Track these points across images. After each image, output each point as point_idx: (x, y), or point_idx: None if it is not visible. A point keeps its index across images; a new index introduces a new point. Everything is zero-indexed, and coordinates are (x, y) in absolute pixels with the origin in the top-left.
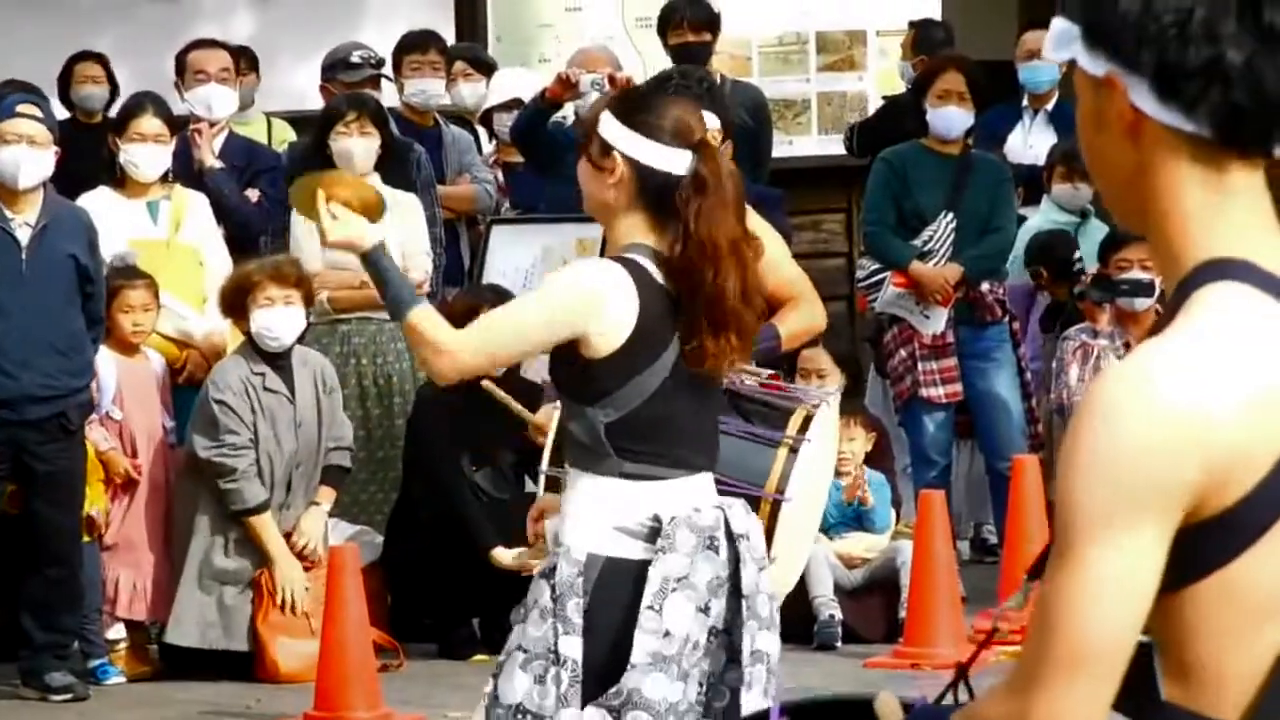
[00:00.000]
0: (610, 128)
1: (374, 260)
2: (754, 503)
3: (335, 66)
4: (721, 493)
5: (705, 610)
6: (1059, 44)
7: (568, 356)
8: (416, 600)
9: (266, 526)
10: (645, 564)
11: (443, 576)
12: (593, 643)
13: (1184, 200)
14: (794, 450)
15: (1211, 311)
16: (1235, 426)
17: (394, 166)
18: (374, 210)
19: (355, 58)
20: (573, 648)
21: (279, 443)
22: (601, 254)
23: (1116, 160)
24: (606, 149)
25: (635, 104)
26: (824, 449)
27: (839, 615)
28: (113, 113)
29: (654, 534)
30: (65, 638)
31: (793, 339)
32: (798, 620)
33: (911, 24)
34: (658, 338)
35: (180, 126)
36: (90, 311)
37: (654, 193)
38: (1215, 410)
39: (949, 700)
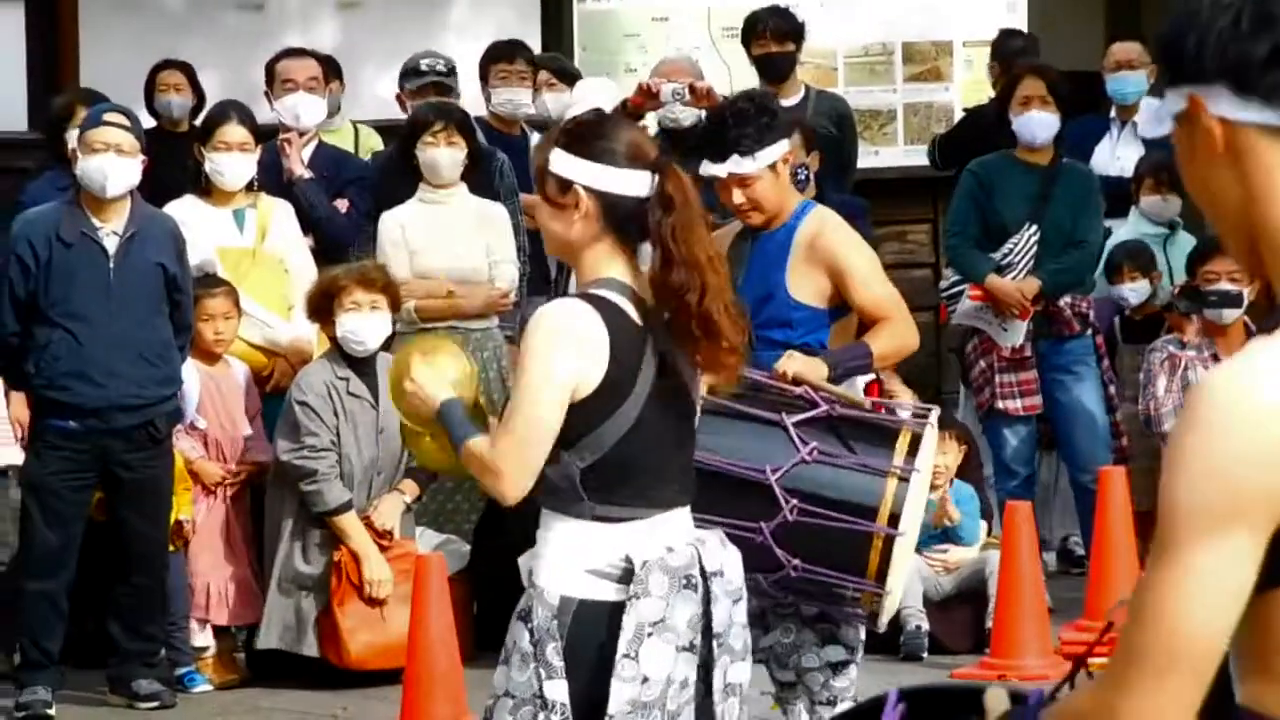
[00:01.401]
0: (565, 162)
1: (445, 411)
2: (866, 539)
3: (406, 75)
4: (833, 530)
5: (690, 649)
6: (1158, 119)
7: None
8: (502, 609)
9: (352, 524)
10: (619, 605)
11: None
12: (576, 683)
13: None
14: (904, 479)
15: None
16: None
17: (478, 174)
18: (465, 384)
19: (423, 65)
20: (558, 691)
21: (359, 447)
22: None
23: (1219, 186)
24: (565, 185)
25: (585, 134)
26: (926, 474)
27: (926, 626)
28: (198, 121)
29: (627, 574)
30: (152, 645)
31: (883, 359)
32: (885, 631)
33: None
34: (630, 375)
35: (266, 135)
36: (178, 320)
37: (619, 219)
38: None
39: (1065, 693)
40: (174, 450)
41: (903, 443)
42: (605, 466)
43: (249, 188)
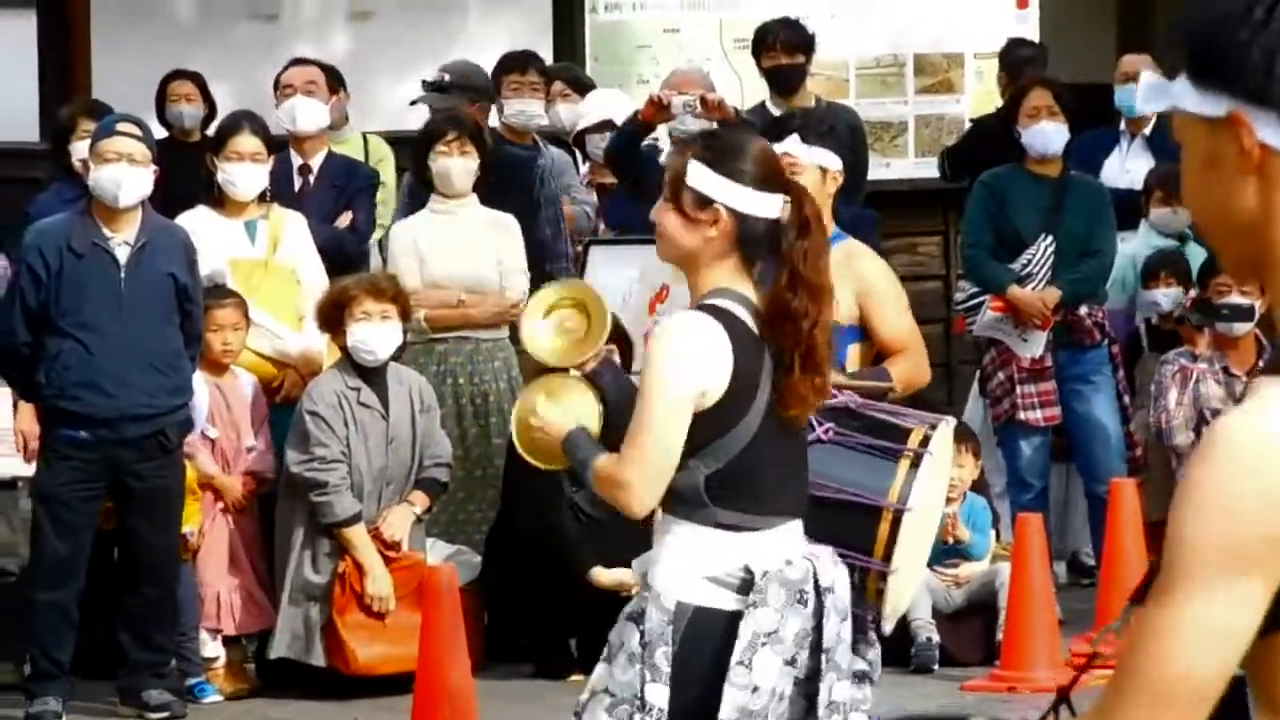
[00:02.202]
0: (704, 178)
1: (571, 439)
2: (875, 514)
3: (474, 90)
4: (844, 503)
5: (792, 663)
6: (1152, 96)
7: None
8: (513, 620)
9: (359, 537)
10: (734, 615)
11: (540, 596)
12: (679, 691)
13: None
14: (914, 464)
15: None
16: None
17: (511, 180)
18: (591, 419)
19: (430, 77)
20: (660, 696)
21: (369, 458)
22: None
23: (1239, 204)
24: (704, 201)
25: (724, 151)
26: (940, 471)
27: (936, 638)
28: (210, 131)
29: (745, 585)
30: (162, 655)
31: (902, 386)
32: (895, 642)
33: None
34: (752, 386)
35: (278, 146)
36: (189, 330)
37: (749, 239)
38: None
39: None
40: (185, 461)
41: (916, 435)
42: (729, 474)
43: (261, 198)
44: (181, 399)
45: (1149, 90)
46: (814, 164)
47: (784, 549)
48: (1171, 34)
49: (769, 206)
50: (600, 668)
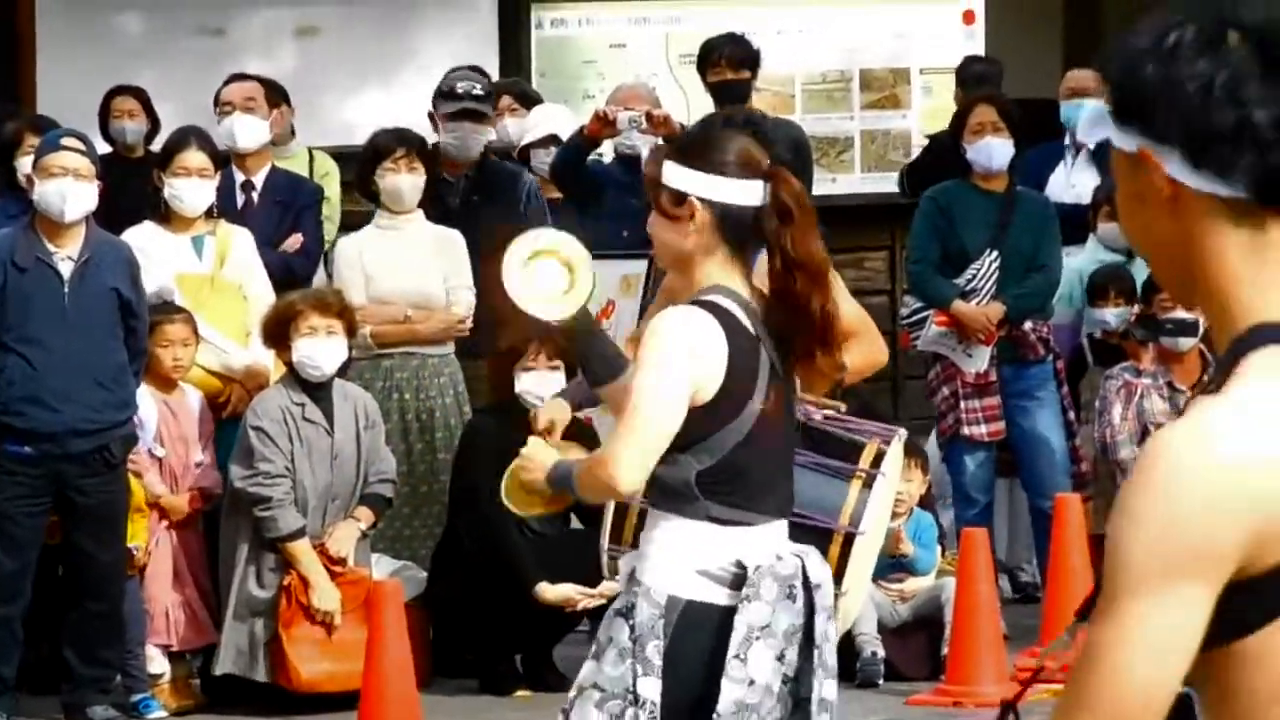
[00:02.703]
0: (678, 174)
1: (558, 475)
2: (826, 535)
3: (441, 96)
4: (795, 525)
5: (781, 658)
6: (1093, 124)
7: None
8: (459, 635)
9: (304, 552)
10: (726, 610)
11: (486, 612)
12: (670, 685)
13: (1230, 265)
14: (867, 484)
15: (1265, 375)
16: None
17: (496, 193)
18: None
19: (459, 88)
20: (652, 689)
21: (314, 473)
22: (646, 292)
23: (1160, 235)
24: (679, 197)
25: (696, 146)
26: (890, 488)
27: (881, 653)
28: (154, 147)
29: (737, 580)
30: (107, 671)
31: (856, 374)
32: (840, 657)
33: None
34: (747, 383)
35: (224, 162)
36: (133, 345)
37: (733, 229)
38: (1266, 472)
39: None
40: (130, 477)
41: (869, 453)
42: (721, 470)
43: (209, 214)
44: (126, 414)
45: (1090, 119)
46: None
47: (774, 544)
48: (1098, 67)
49: (748, 193)
50: (588, 665)
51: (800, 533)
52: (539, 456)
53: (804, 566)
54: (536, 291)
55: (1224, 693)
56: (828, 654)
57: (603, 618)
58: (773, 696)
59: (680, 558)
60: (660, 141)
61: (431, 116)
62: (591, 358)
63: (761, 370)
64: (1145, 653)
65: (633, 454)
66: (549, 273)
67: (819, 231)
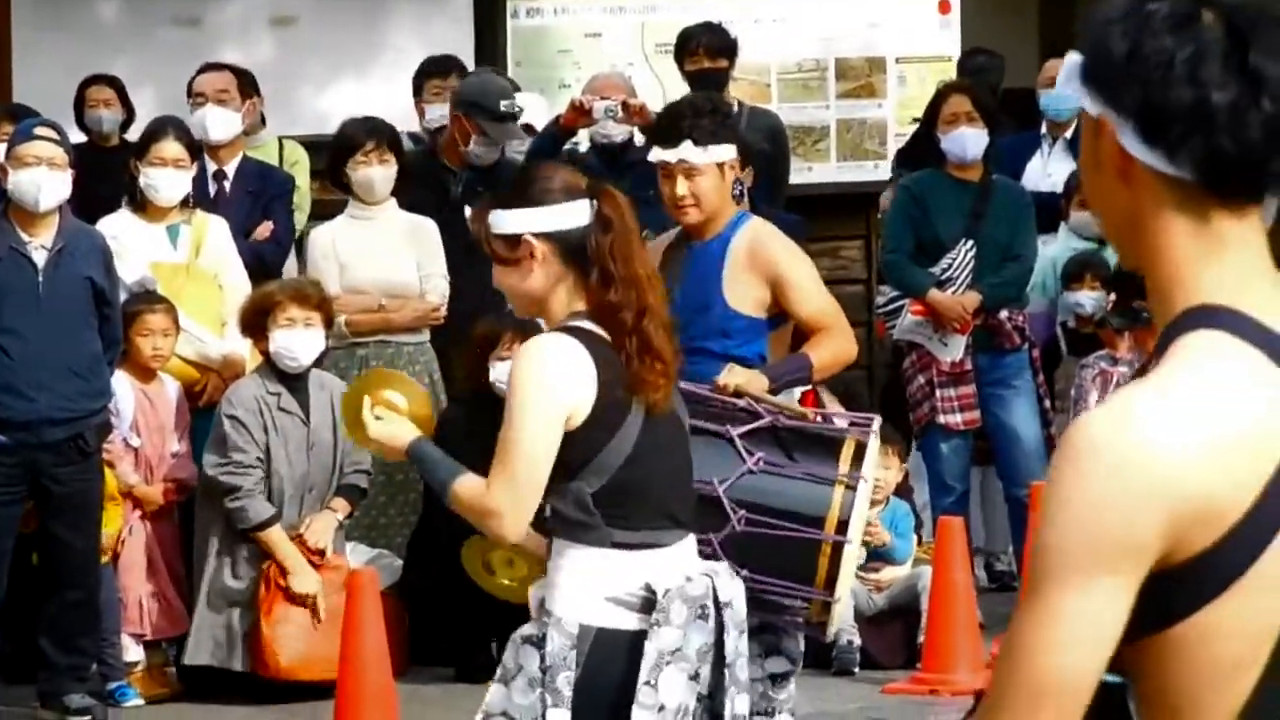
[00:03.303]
0: (506, 219)
1: (416, 453)
2: (815, 546)
3: (478, 108)
4: (781, 539)
5: (695, 678)
6: (1070, 78)
7: None
8: (434, 624)
9: (278, 539)
10: (637, 634)
11: (461, 601)
12: (581, 713)
13: (1173, 245)
14: (850, 488)
15: (1193, 359)
16: (1207, 475)
17: (502, 186)
18: (422, 418)
19: (502, 106)
20: None
21: (290, 463)
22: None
23: (1113, 201)
24: (512, 241)
25: (517, 187)
26: (872, 479)
27: (857, 641)
28: (129, 136)
29: (646, 604)
30: (84, 659)
31: (823, 369)
32: (816, 645)
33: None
34: (621, 400)
35: (200, 151)
36: (107, 334)
37: (574, 253)
38: (1188, 460)
39: None
40: (104, 465)
41: (847, 452)
42: (615, 490)
43: (184, 204)
44: (100, 402)
45: (1070, 69)
46: (711, 162)
47: (682, 565)
48: (1078, 30)
49: (575, 215)
50: (496, 689)
51: (788, 545)
52: (391, 437)
53: (714, 586)
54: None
55: (1156, 682)
56: (739, 670)
57: (508, 643)
58: (688, 716)
59: (589, 585)
60: (636, 131)
61: (456, 119)
62: (430, 470)
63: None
64: (1068, 637)
65: (517, 505)
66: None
67: (643, 245)
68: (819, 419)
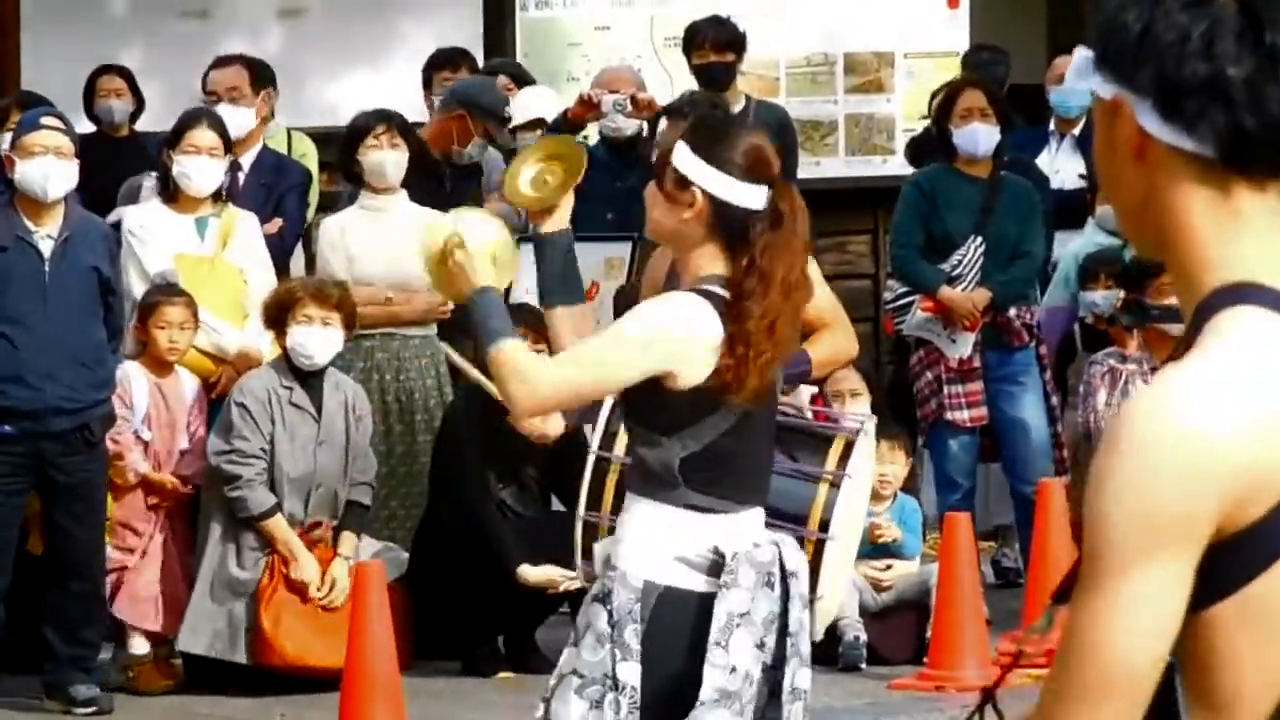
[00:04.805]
0: (687, 161)
1: (482, 298)
2: (798, 541)
3: (490, 113)
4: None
5: (761, 646)
6: (1080, 73)
7: (646, 385)
8: (441, 617)
9: (280, 527)
10: (703, 596)
11: (467, 594)
12: (649, 670)
13: (1194, 223)
14: (835, 485)
15: (1229, 336)
16: (1253, 451)
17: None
18: (505, 263)
19: (505, 112)
20: (631, 674)
21: (295, 459)
22: (631, 274)
23: (1128, 185)
24: (684, 182)
25: (712, 137)
26: (863, 477)
27: (864, 637)
28: (139, 126)
29: (714, 566)
30: (88, 650)
31: (822, 366)
32: (822, 641)
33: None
34: None
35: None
36: (110, 323)
37: (728, 226)
38: (1235, 435)
39: None
40: (108, 455)
41: (836, 449)
42: (703, 458)
43: (216, 197)
44: (105, 392)
45: (1080, 64)
46: None
47: (750, 533)
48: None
49: (751, 197)
50: (567, 651)
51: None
52: (475, 266)
53: (780, 554)
54: (526, 190)
55: (1206, 659)
56: (802, 643)
57: (582, 602)
58: (753, 685)
59: (657, 544)
60: (644, 125)
61: (460, 119)
62: (554, 275)
63: None
64: (1130, 628)
65: (554, 394)
66: (549, 176)
67: (802, 253)
68: (818, 418)
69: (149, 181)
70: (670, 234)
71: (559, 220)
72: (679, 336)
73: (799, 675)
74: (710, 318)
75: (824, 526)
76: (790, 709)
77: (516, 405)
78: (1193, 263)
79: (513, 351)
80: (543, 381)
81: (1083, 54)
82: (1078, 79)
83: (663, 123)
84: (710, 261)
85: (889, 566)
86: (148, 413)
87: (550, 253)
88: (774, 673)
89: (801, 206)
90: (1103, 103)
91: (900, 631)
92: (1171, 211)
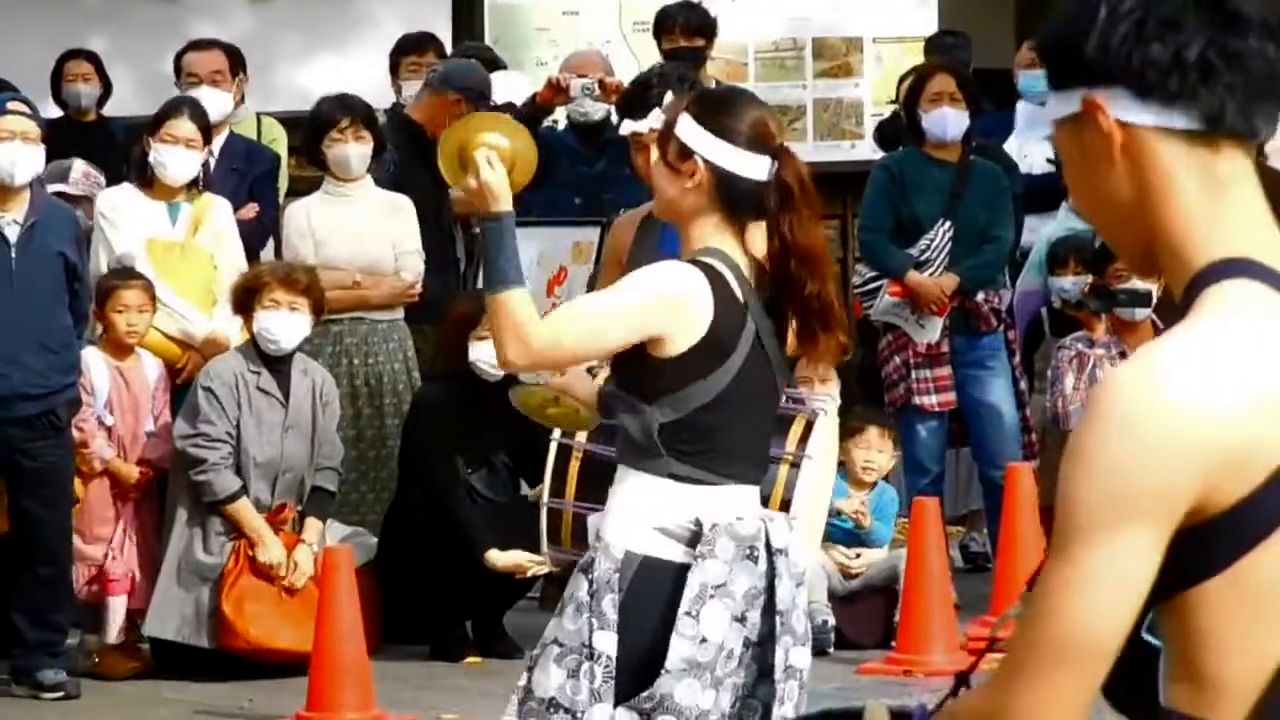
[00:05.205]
0: (690, 130)
1: (501, 226)
2: None
3: (483, 97)
4: None
5: (741, 620)
6: (1032, 122)
7: (633, 351)
8: (409, 602)
9: (245, 510)
10: (682, 567)
11: (436, 578)
12: (626, 640)
13: (1183, 201)
14: (795, 465)
15: (1220, 309)
16: (1241, 426)
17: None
18: (526, 157)
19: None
20: (607, 643)
21: (261, 442)
22: (599, 259)
23: (1110, 191)
24: (686, 152)
25: (715, 107)
26: (824, 455)
27: (832, 621)
28: (106, 111)
29: (694, 538)
30: (56, 635)
31: (792, 348)
32: None
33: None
34: (726, 346)
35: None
36: (76, 308)
37: (731, 197)
38: (1221, 410)
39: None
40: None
41: (796, 429)
42: (684, 427)
43: (192, 186)
44: (71, 377)
45: (1038, 98)
46: None
47: (736, 506)
48: (1035, 45)
49: (754, 167)
50: (552, 621)
51: None
52: (497, 187)
53: (767, 530)
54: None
55: (1193, 638)
56: (794, 621)
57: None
58: (732, 659)
59: (639, 514)
60: (613, 110)
61: (449, 103)
62: (510, 256)
63: (744, 338)
64: (1093, 596)
65: (549, 350)
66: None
67: (817, 214)
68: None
69: (79, 164)
70: (672, 206)
71: (508, 200)
72: (672, 301)
73: (793, 653)
74: (703, 287)
75: (785, 506)
76: (784, 688)
77: (505, 358)
78: (1183, 243)
79: (518, 301)
80: (537, 337)
81: (1038, 86)
82: (1044, 127)
83: (564, 126)
84: (711, 235)
85: (859, 555)
86: (109, 397)
87: (506, 235)
88: (761, 650)
89: (805, 170)
90: (1068, 123)
91: (868, 616)
92: (1159, 195)
